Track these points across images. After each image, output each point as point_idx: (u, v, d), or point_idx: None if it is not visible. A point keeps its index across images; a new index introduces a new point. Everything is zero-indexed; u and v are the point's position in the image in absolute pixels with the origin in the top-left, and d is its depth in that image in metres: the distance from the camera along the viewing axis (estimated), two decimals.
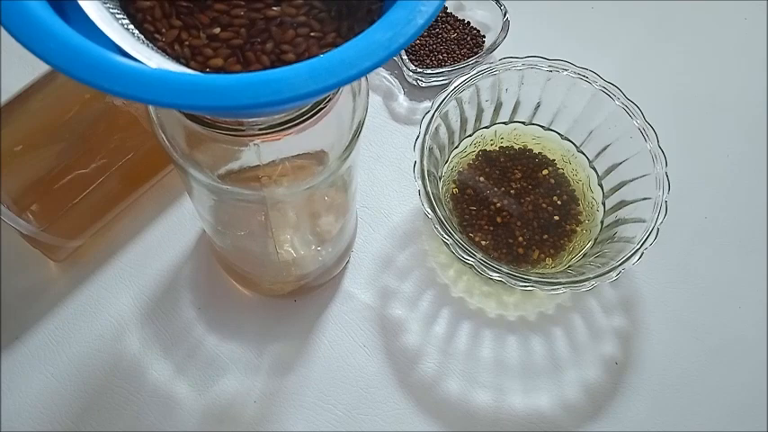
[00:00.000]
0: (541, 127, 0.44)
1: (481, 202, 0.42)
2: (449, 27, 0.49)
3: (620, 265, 0.36)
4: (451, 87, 0.40)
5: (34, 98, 0.38)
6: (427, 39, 0.49)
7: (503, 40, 0.47)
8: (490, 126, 0.44)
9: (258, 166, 0.28)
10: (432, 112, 0.39)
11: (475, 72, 0.40)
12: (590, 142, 0.43)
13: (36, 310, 0.40)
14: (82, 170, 0.38)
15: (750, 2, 0.54)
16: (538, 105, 0.43)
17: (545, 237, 0.41)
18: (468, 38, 0.49)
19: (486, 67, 0.41)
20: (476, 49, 0.49)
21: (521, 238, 0.41)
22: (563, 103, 0.42)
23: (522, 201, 0.42)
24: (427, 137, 0.38)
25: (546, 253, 0.41)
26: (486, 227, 0.41)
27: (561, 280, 0.36)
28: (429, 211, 0.37)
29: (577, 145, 0.43)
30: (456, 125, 0.42)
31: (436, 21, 0.49)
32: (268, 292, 0.42)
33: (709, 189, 0.47)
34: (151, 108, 0.27)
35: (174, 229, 0.43)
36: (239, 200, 0.29)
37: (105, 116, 0.39)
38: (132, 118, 0.39)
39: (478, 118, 0.43)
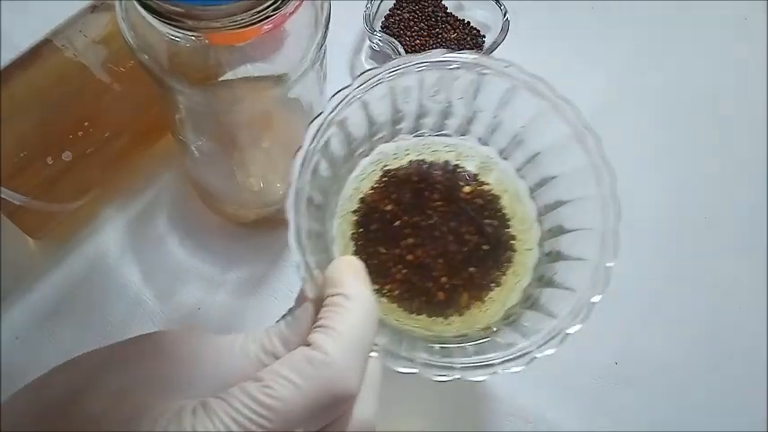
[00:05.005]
0: (450, 137, 0.35)
1: (389, 239, 0.33)
2: (449, 27, 0.49)
3: (528, 353, 0.30)
4: (327, 112, 0.29)
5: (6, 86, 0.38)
6: (427, 39, 0.49)
7: (503, 40, 0.47)
8: (390, 141, 0.34)
9: (229, 79, 0.31)
10: (296, 167, 0.28)
11: (356, 86, 0.30)
12: (516, 149, 0.34)
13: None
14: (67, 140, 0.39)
15: (750, 2, 0.54)
16: (447, 110, 0.34)
17: (471, 270, 0.33)
18: (468, 38, 0.49)
19: (364, 80, 0.30)
20: (476, 50, 0.49)
21: (443, 279, 0.32)
22: (478, 106, 0.33)
23: (440, 230, 0.33)
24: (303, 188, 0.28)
25: (473, 294, 0.32)
26: (395, 272, 0.32)
27: (455, 363, 0.28)
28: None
29: (500, 150, 0.35)
30: (339, 154, 0.32)
31: (436, 20, 0.49)
32: (233, 217, 0.43)
33: (709, 189, 0.47)
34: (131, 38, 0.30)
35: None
36: (212, 109, 0.33)
37: (87, 92, 0.39)
38: (116, 95, 0.39)
39: (372, 135, 0.34)
